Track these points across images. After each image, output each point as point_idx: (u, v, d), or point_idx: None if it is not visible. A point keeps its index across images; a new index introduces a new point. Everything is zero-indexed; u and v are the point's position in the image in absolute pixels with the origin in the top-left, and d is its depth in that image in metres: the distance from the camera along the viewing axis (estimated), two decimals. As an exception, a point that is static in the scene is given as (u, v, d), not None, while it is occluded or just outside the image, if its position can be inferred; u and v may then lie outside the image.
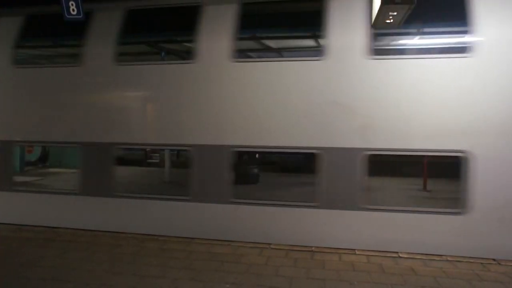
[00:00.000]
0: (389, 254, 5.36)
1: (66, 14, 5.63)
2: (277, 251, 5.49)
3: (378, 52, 5.61)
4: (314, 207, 5.72)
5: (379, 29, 5.29)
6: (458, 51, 5.36)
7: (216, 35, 6.08)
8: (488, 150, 5.21)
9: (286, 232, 5.81)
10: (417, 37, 6.12)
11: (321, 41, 5.79)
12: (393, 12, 4.39)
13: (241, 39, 6.11)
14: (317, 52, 5.80)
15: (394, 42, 6.29)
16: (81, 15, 5.66)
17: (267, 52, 7.03)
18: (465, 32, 5.36)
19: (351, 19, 5.67)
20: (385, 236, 5.52)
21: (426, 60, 5.47)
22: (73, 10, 5.60)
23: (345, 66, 5.61)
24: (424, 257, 5.27)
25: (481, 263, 5.09)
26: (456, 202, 5.38)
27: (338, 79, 5.63)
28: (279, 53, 7.02)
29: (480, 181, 5.22)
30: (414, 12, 5.18)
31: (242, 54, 6.29)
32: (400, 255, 5.34)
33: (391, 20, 4.62)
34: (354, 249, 5.46)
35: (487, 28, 5.24)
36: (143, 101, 6.53)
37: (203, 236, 5.94)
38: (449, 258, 5.24)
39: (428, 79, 5.38)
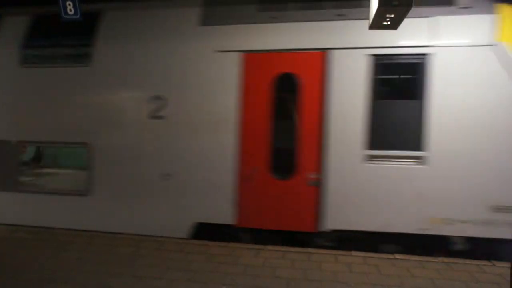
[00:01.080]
0: (385, 256, 5.38)
1: (63, 14, 5.61)
2: (274, 252, 5.52)
3: (28, 61, 6.73)
4: None
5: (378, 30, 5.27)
6: (80, 61, 6.57)
7: None
8: (103, 142, 6.39)
9: None
10: (61, 48, 7.05)
11: None
12: (391, 14, 4.37)
13: None
14: None
15: (38, 53, 7.10)
16: (78, 15, 5.64)
17: None
18: (87, 45, 6.51)
19: None
20: (38, 214, 6.59)
21: (59, 69, 6.71)
22: (70, 10, 5.58)
23: (2, 74, 6.79)
24: (420, 258, 5.29)
25: (477, 265, 5.12)
26: (83, 185, 6.48)
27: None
28: None
29: (98, 168, 6.39)
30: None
31: None
32: (396, 256, 5.37)
33: (389, 22, 4.61)
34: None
35: (100, 43, 6.46)
36: None
37: None
38: (440, 261, 5.26)
39: (57, 86, 6.56)
